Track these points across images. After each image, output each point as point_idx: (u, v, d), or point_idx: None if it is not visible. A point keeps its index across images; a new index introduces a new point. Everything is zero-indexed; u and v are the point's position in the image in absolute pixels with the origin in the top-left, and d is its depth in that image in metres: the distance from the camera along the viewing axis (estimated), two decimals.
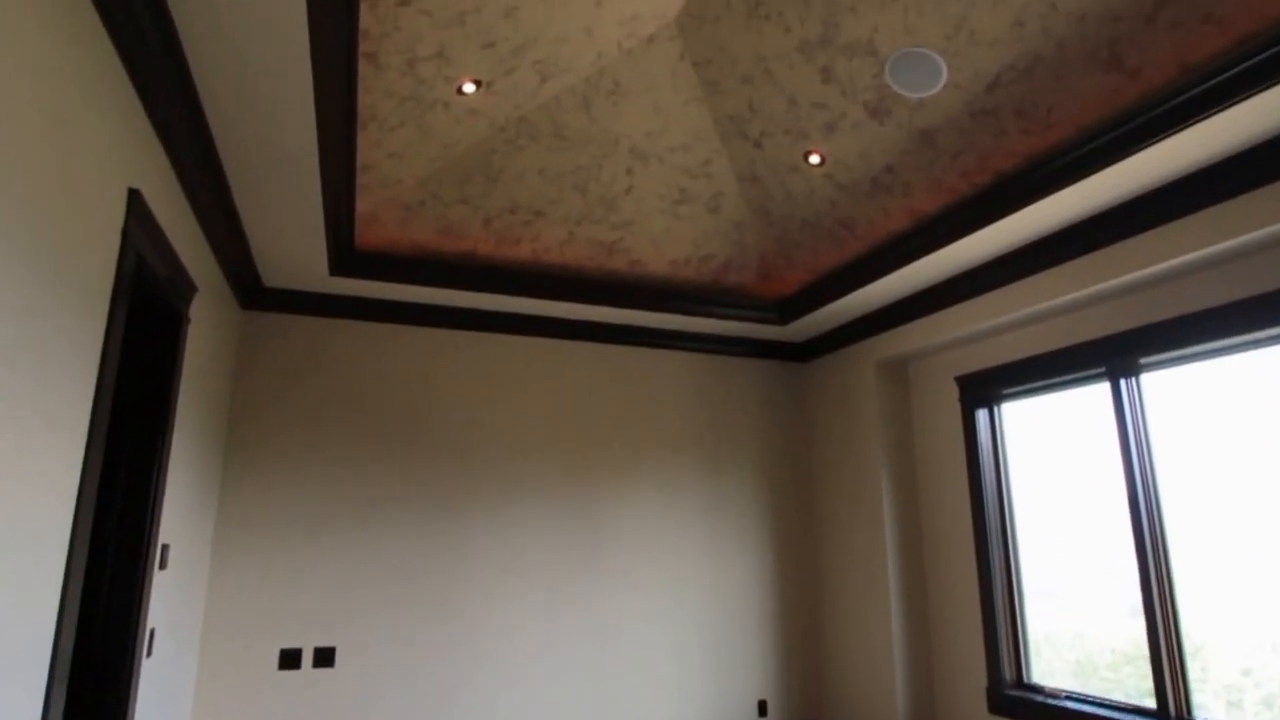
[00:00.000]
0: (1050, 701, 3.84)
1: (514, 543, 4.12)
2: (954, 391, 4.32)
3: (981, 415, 4.18)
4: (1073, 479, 3.82)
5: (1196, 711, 3.24)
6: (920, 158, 3.36)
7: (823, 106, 3.32)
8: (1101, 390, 3.61)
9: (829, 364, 4.99)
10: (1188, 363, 3.32)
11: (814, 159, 3.57)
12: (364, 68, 2.68)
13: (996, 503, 4.15)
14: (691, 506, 4.57)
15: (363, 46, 2.58)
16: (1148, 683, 3.37)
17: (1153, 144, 2.81)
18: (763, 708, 4.57)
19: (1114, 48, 2.73)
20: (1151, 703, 3.34)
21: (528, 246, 3.91)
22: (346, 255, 3.64)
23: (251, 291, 3.86)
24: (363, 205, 3.50)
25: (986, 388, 4.13)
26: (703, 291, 4.34)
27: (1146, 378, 3.46)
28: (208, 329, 3.22)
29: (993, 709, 4.08)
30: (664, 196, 3.86)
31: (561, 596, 4.14)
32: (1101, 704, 3.65)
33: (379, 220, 3.62)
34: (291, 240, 3.33)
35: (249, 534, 3.69)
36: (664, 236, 4.04)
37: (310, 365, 3.94)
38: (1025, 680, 4.06)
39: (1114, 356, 3.52)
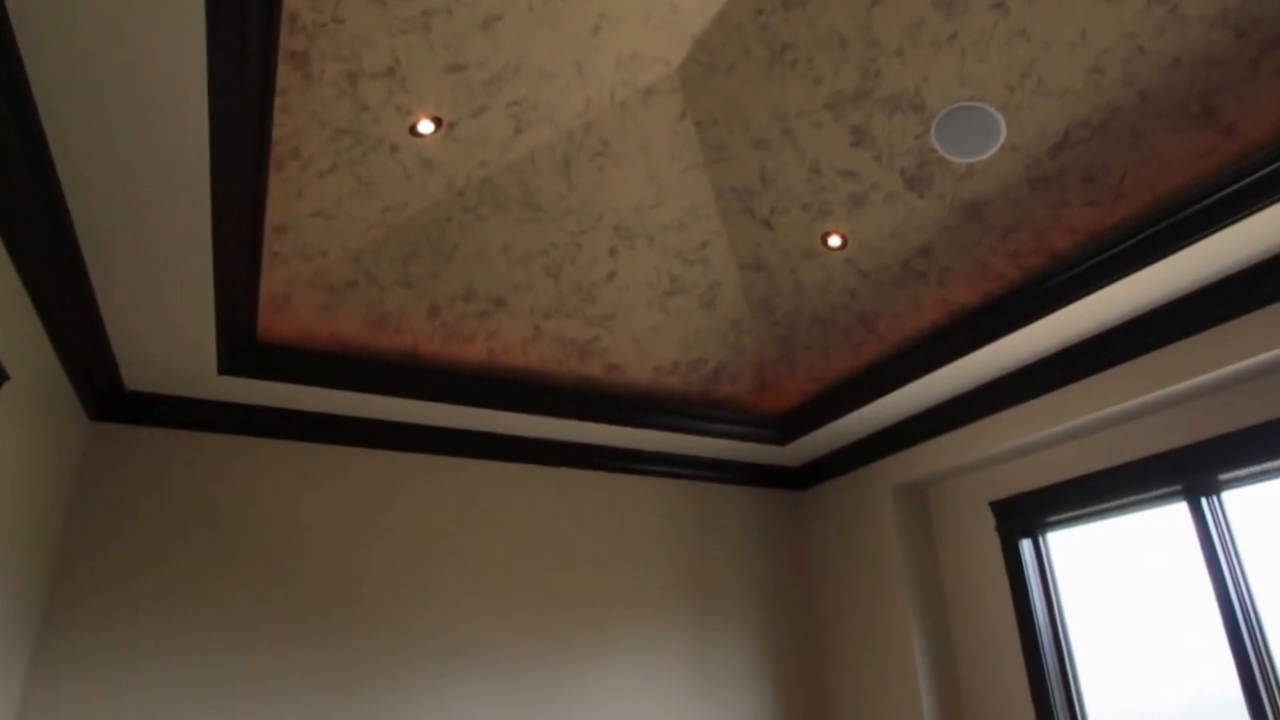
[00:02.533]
0: None
1: None
2: (988, 519, 3.65)
3: (1025, 546, 3.50)
4: (1144, 613, 3.14)
5: None
6: (963, 236, 2.85)
7: (851, 175, 2.81)
8: (1175, 512, 3.02)
9: (835, 491, 4.25)
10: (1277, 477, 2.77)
11: (834, 240, 3.03)
12: (287, 73, 1.96)
13: (1053, 645, 3.39)
14: (678, 674, 3.59)
15: (288, 38, 1.88)
16: None
17: (1249, 215, 2.37)
18: None
19: (1208, 99, 2.34)
20: None
21: (483, 344, 3.14)
22: (244, 349, 2.76)
23: (107, 396, 2.88)
24: (271, 283, 2.69)
25: (1030, 514, 3.47)
26: (690, 404, 3.62)
27: (1229, 495, 2.90)
28: (23, 443, 2.24)
29: None
30: (653, 286, 3.21)
31: None
32: None
33: (292, 304, 2.79)
34: (167, 327, 2.46)
35: None
36: (650, 336, 3.35)
37: (184, 499, 2.92)
38: None
39: (1191, 473, 2.95)
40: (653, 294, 3.24)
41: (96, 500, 2.80)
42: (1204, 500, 2.93)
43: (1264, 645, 2.74)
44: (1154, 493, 3.05)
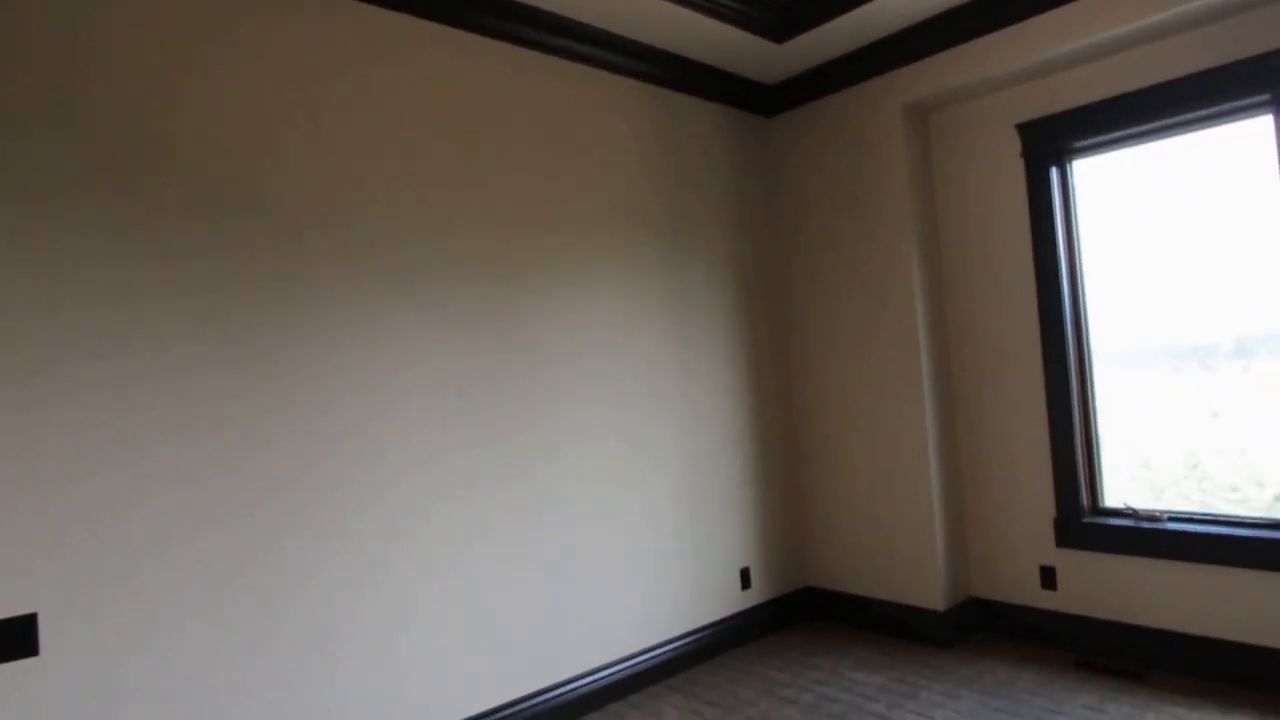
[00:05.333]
0: (1147, 525, 3.21)
1: (411, 374, 2.84)
2: (1009, 145, 3.61)
3: (1054, 174, 3.50)
4: (1164, 250, 3.27)
5: None
6: None
7: None
8: (1253, 127, 3.04)
9: (832, 110, 3.96)
10: None
11: None
12: None
13: (1069, 282, 3.52)
14: (649, 309, 3.63)
15: None
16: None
17: None
18: (745, 578, 3.89)
19: None
20: None
21: None
22: None
23: None
24: None
25: (1060, 139, 3.42)
26: None
27: None
28: None
29: (1063, 542, 3.51)
30: None
31: (493, 458, 3.03)
32: (1238, 523, 3.13)
33: None
34: None
35: None
36: None
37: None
38: (1101, 505, 3.45)
39: (1272, 84, 2.89)
40: None
41: None
42: None
43: None
44: (1238, 103, 3.02)
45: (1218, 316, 3.23)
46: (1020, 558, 3.66)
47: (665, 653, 3.55)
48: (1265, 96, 2.97)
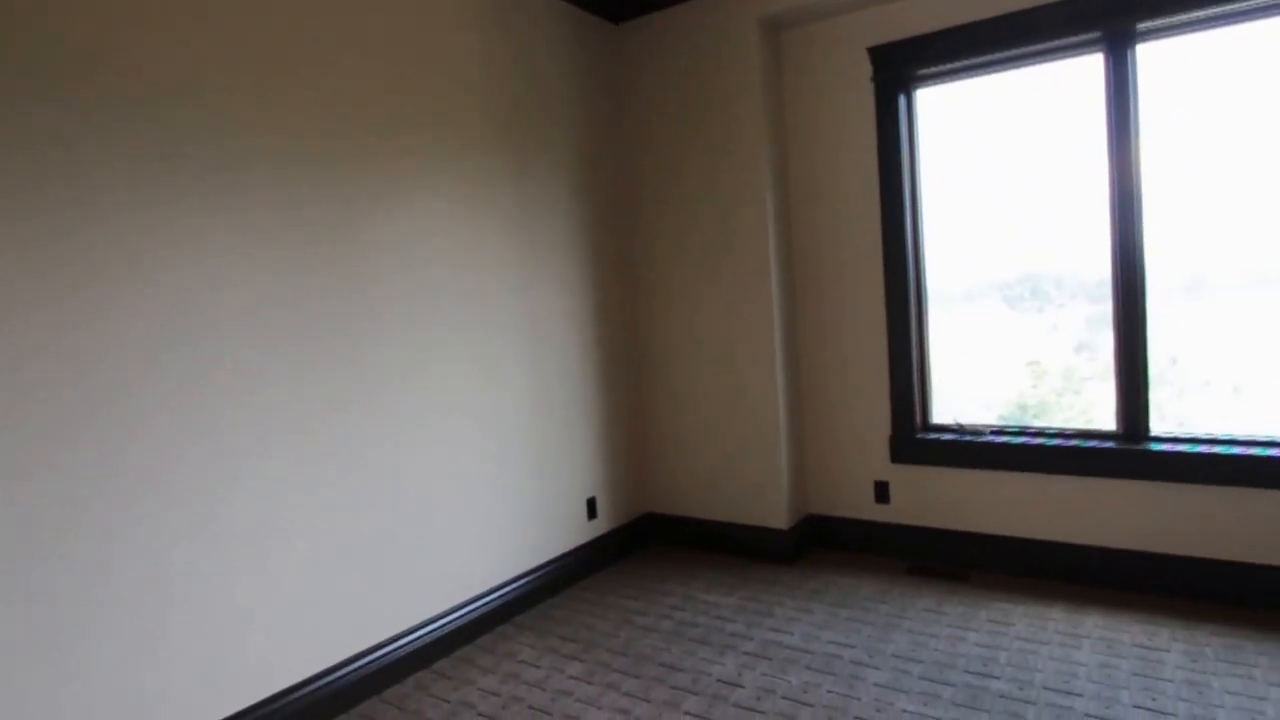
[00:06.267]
0: (971, 439, 3.49)
1: (229, 292, 2.30)
2: (863, 67, 3.59)
3: (901, 101, 3.54)
4: (1002, 184, 3.46)
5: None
6: None
7: None
8: (1081, 65, 3.21)
9: (684, 19, 3.78)
10: (1196, 29, 2.96)
11: None
12: None
13: (912, 220, 3.61)
14: (492, 219, 3.24)
15: None
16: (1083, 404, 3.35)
17: None
18: (592, 507, 3.77)
19: None
20: (1109, 425, 3.29)
21: None
22: None
23: None
24: None
25: (908, 65, 3.44)
26: None
27: (1143, 48, 3.07)
28: None
29: (897, 458, 3.68)
30: None
31: (326, 386, 2.58)
32: (1046, 433, 3.42)
33: None
34: None
35: None
36: None
37: None
38: (932, 422, 3.69)
39: (1111, 20, 3.04)
40: None
41: None
42: (1126, 52, 3.07)
43: (1138, 211, 3.11)
44: (1067, 40, 3.14)
45: (1045, 251, 3.45)
46: (857, 475, 3.79)
47: (513, 590, 3.28)
48: (1096, 34, 3.13)
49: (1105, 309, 3.27)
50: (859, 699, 2.51)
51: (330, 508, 2.59)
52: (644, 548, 4.08)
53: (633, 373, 4.08)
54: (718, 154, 3.76)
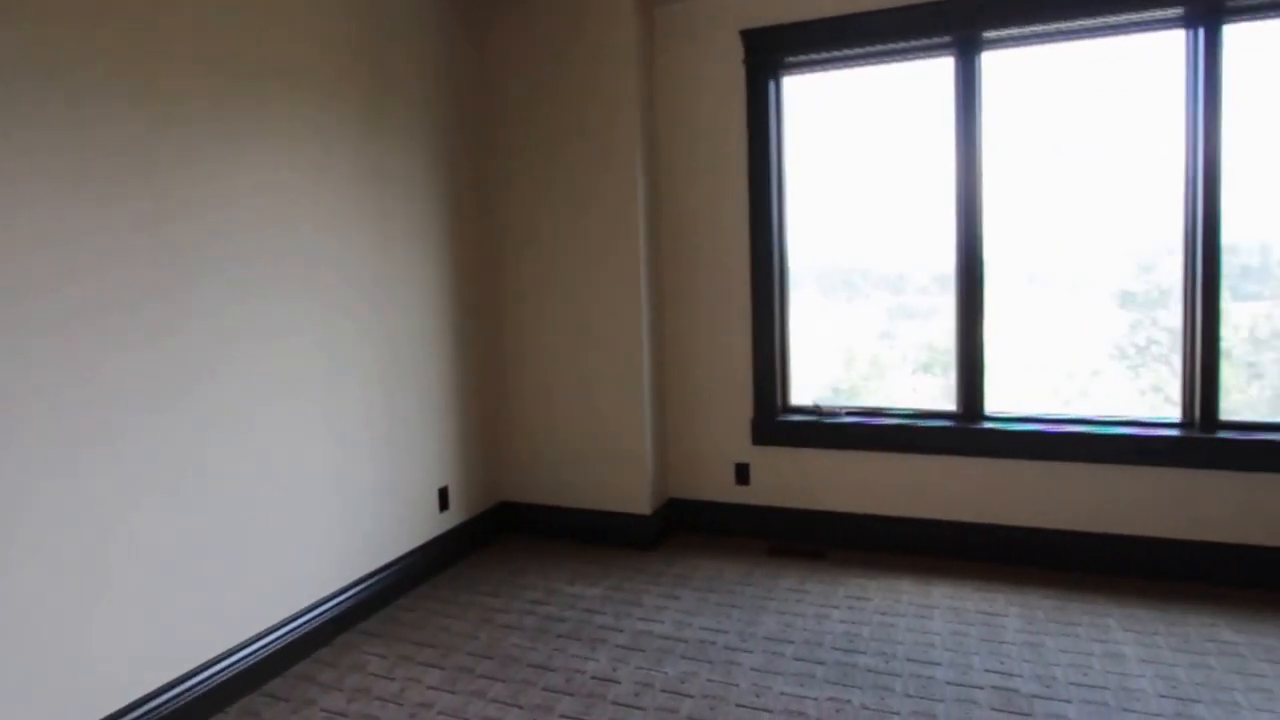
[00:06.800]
0: (829, 420, 3.60)
1: (18, 259, 1.86)
2: (736, 50, 3.54)
3: (771, 86, 3.53)
4: (856, 169, 3.58)
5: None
6: None
7: None
8: (933, 67, 3.36)
9: None
10: (1036, 43, 3.19)
11: None
12: None
13: (777, 206, 3.62)
14: (349, 197, 2.92)
15: None
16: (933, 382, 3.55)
17: None
18: (444, 497, 3.49)
19: None
20: (947, 405, 3.50)
21: None
22: None
23: None
24: None
25: (781, 50, 3.44)
26: None
27: (988, 56, 3.26)
28: None
29: (758, 440, 3.71)
30: None
31: (141, 371, 2.19)
32: (895, 414, 3.58)
33: None
34: None
35: None
36: None
37: None
38: (792, 404, 3.75)
39: (962, 26, 3.21)
40: None
41: None
42: (976, 57, 3.25)
43: (979, 209, 3.30)
44: (924, 41, 3.28)
45: (900, 243, 3.60)
46: (718, 458, 3.78)
47: (357, 593, 2.95)
48: (948, 38, 3.28)
49: (934, 300, 3.49)
50: (738, 685, 2.46)
51: (129, 511, 2.16)
52: (500, 539, 3.85)
53: (490, 351, 3.82)
54: (588, 130, 3.57)
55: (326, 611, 2.79)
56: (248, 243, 2.50)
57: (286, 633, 2.62)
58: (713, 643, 2.74)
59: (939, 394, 3.57)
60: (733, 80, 3.57)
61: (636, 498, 3.66)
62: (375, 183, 3.06)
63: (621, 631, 2.85)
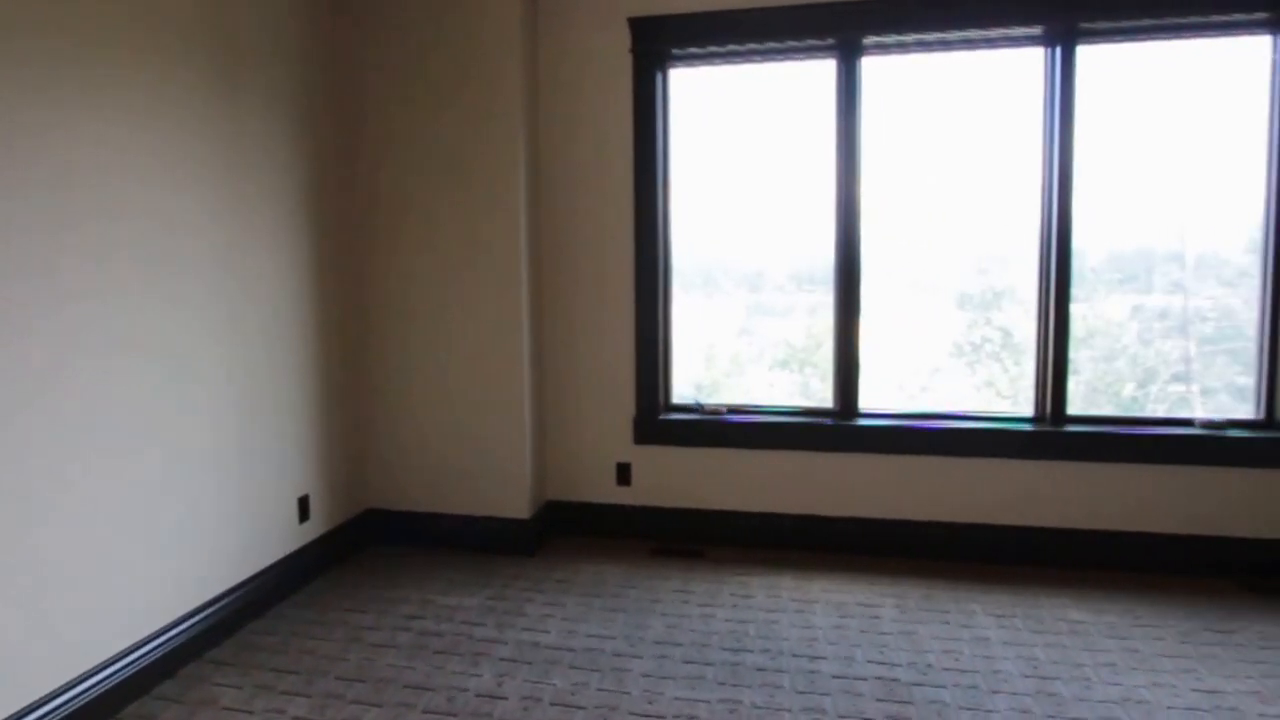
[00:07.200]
0: (711, 418, 3.61)
1: None
2: (623, 38, 3.44)
3: (659, 77, 3.46)
4: (737, 166, 3.61)
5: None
6: None
7: None
8: (817, 69, 3.42)
9: None
10: (914, 52, 3.32)
11: None
12: None
13: (663, 203, 3.56)
14: (195, 176, 2.58)
15: None
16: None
17: None
18: (305, 507, 3.19)
19: None
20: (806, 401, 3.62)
21: None
22: None
23: None
24: None
25: (669, 41, 3.40)
26: None
27: (868, 61, 3.35)
28: None
29: (640, 439, 3.66)
30: None
31: None
32: (774, 412, 3.62)
33: None
34: None
35: None
36: None
37: None
38: (674, 403, 3.73)
39: (843, 30, 3.27)
40: None
41: None
42: (858, 60, 3.31)
43: (856, 208, 3.38)
44: (808, 42, 3.34)
45: (763, 241, 3.67)
46: (599, 458, 3.70)
47: (205, 618, 2.64)
48: (831, 41, 3.35)
49: (791, 298, 3.62)
50: (629, 693, 2.39)
51: None
52: (369, 550, 3.59)
53: (357, 350, 3.54)
54: (468, 118, 3.38)
55: (167, 642, 2.47)
56: (81, 225, 2.15)
57: (115, 671, 2.28)
58: (601, 650, 2.66)
59: (795, 390, 3.69)
60: (620, 69, 3.48)
61: (515, 501, 3.51)
62: (231, 167, 2.74)
63: (505, 643, 2.70)
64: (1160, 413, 3.33)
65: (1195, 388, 3.35)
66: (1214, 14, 3.03)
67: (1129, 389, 3.42)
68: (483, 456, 3.52)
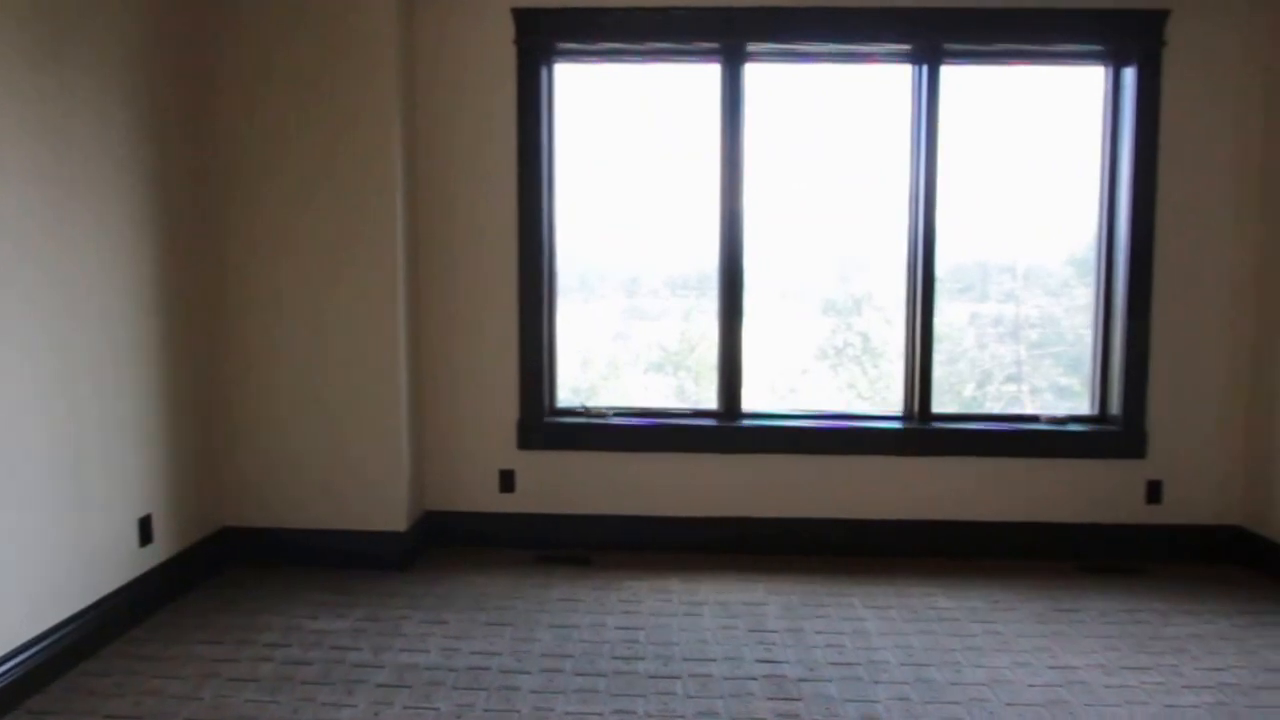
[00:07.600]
0: (597, 421, 3.57)
1: None
2: (506, 29, 3.33)
3: (544, 72, 3.37)
4: (619, 167, 3.59)
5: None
6: None
7: None
8: (702, 72, 3.44)
9: None
10: (795, 61, 3.40)
11: None
12: None
13: (547, 204, 3.47)
14: (11, 155, 2.27)
15: None
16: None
17: None
18: (146, 529, 2.85)
19: None
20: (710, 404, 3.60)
21: None
22: None
23: None
24: None
25: (555, 35, 3.32)
26: None
27: (751, 67, 3.38)
28: None
29: (524, 444, 3.54)
30: None
31: None
32: (659, 415, 3.62)
33: None
34: None
35: None
36: None
37: None
38: (559, 406, 3.65)
39: (726, 35, 3.30)
40: None
41: None
42: (740, 68, 3.34)
43: (740, 215, 3.43)
44: (693, 45, 3.36)
45: (639, 245, 3.67)
46: (481, 465, 3.56)
47: (21, 663, 2.29)
48: (715, 45, 3.38)
49: (665, 303, 3.67)
50: (518, 712, 2.29)
51: None
52: (225, 572, 3.27)
53: (210, 353, 3.22)
54: (338, 109, 3.16)
55: None
56: None
57: None
58: (486, 668, 2.53)
59: (670, 393, 3.73)
60: (504, 62, 3.36)
61: (390, 513, 3.31)
62: (56, 146, 2.40)
63: (381, 668, 2.52)
64: (996, 410, 3.60)
65: (1025, 387, 3.64)
66: (1057, 44, 3.30)
67: (969, 389, 3.67)
68: (354, 466, 3.29)
